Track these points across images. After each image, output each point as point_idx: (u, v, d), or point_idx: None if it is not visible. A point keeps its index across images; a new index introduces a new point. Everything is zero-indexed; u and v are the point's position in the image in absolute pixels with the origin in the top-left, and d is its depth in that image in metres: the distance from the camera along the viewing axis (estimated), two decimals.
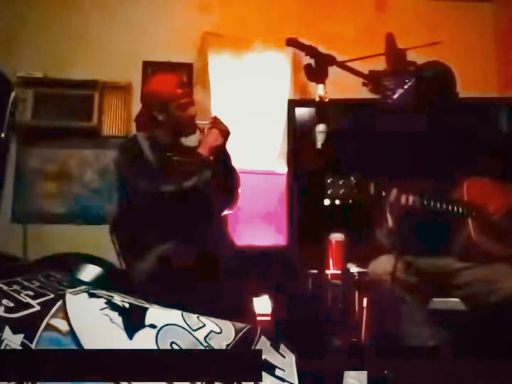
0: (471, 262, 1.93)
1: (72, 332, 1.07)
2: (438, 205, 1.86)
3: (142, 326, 1.13)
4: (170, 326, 1.15)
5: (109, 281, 2.66)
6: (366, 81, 1.90)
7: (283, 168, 3.37)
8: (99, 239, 2.53)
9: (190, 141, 2.30)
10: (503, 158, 2.02)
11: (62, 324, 1.08)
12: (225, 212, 2.29)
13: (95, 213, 3.37)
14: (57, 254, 2.83)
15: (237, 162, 2.52)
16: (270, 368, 1.17)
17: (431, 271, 1.96)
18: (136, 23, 3.58)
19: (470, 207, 1.90)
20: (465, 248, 1.93)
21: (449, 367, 1.54)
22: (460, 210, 1.89)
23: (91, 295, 1.18)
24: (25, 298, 1.12)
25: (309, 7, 3.73)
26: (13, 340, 1.04)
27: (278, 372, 1.18)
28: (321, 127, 1.59)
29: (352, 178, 1.78)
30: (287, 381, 1.18)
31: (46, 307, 1.10)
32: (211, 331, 1.18)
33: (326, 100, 1.61)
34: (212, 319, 1.21)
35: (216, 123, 2.19)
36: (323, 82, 1.62)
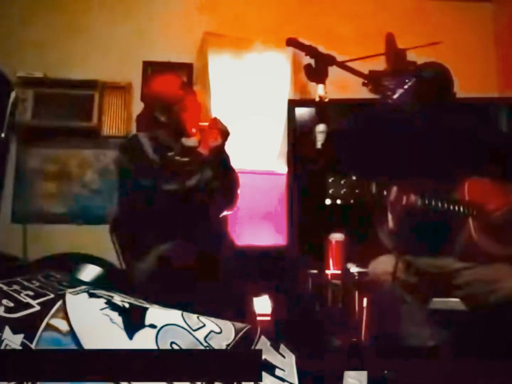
0: (471, 262, 1.93)
1: (72, 332, 1.07)
2: (439, 205, 1.86)
3: (142, 326, 1.13)
4: (170, 326, 1.15)
5: (109, 281, 2.66)
6: (366, 81, 1.90)
7: (283, 168, 3.37)
8: (99, 239, 2.53)
9: (190, 141, 2.30)
10: (504, 158, 2.02)
11: (62, 324, 1.08)
12: (224, 213, 2.30)
13: (95, 213, 3.37)
14: (57, 254, 2.83)
15: (237, 162, 2.52)
16: (270, 368, 1.17)
17: (431, 271, 1.96)
18: (136, 23, 3.58)
19: (470, 207, 1.90)
20: (465, 248, 1.93)
21: (449, 367, 1.54)
22: (461, 210, 1.89)
23: (91, 295, 1.18)
24: (25, 298, 1.12)
25: (309, 7, 3.73)
26: (13, 340, 1.03)
27: (278, 372, 1.18)
28: (321, 127, 1.59)
29: (354, 178, 1.77)
30: (287, 381, 1.17)
31: (46, 307, 1.10)
32: (211, 331, 1.18)
33: (326, 100, 1.61)
34: (212, 319, 1.21)
35: (215, 123, 2.19)
36: (323, 82, 1.62)
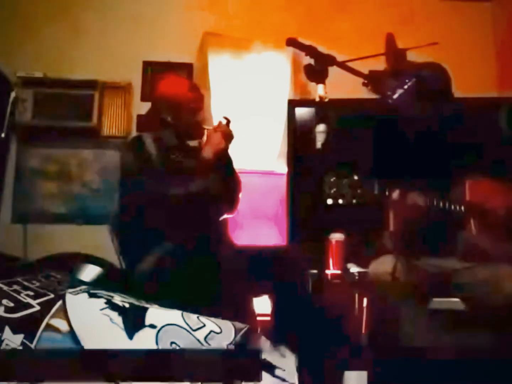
0: (471, 262, 1.93)
1: (72, 332, 1.07)
2: (440, 205, 1.86)
3: (142, 326, 1.13)
4: (170, 326, 1.15)
5: (109, 281, 2.66)
6: (366, 81, 1.90)
7: (283, 168, 3.37)
8: (99, 239, 2.53)
9: (195, 143, 2.31)
10: (504, 158, 2.02)
11: (62, 324, 1.08)
12: (224, 216, 2.29)
13: (95, 213, 3.37)
14: (57, 254, 2.83)
15: (237, 162, 2.52)
16: (270, 368, 1.17)
17: (431, 271, 1.96)
18: (136, 23, 3.58)
19: (471, 207, 1.90)
20: (465, 248, 1.93)
21: (449, 367, 1.55)
22: (462, 209, 1.89)
23: (91, 295, 1.18)
24: (25, 298, 1.12)
25: (309, 7, 3.73)
26: (13, 340, 1.04)
27: (278, 372, 1.18)
28: (321, 127, 1.59)
29: (356, 178, 1.77)
30: (287, 381, 1.18)
31: (46, 307, 1.10)
32: (211, 331, 1.18)
33: (326, 100, 1.61)
34: (212, 319, 1.21)
35: (220, 126, 2.19)
36: (323, 82, 1.62)
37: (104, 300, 1.17)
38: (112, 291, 1.23)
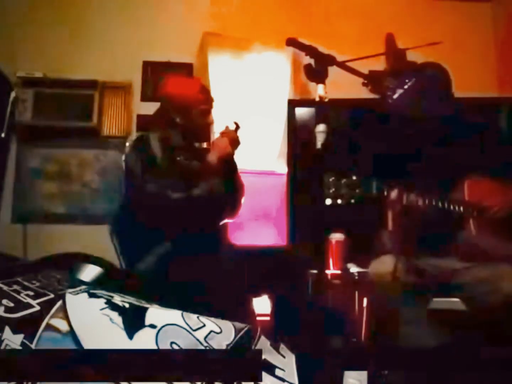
0: (471, 262, 1.93)
1: (72, 332, 1.07)
2: (439, 205, 1.86)
3: (142, 326, 1.13)
4: (170, 326, 1.15)
5: (109, 281, 2.66)
6: (366, 81, 1.90)
7: (283, 168, 3.37)
8: (99, 239, 2.53)
9: (202, 145, 2.33)
10: (503, 158, 2.02)
11: (62, 324, 1.08)
12: (226, 221, 2.28)
13: (95, 213, 3.37)
14: (57, 254, 2.82)
15: (237, 162, 2.52)
16: (270, 368, 1.17)
17: (431, 271, 1.96)
18: (136, 23, 3.58)
19: (470, 207, 1.90)
20: (465, 248, 1.93)
21: (449, 367, 1.54)
22: (461, 209, 1.89)
23: (91, 295, 1.18)
24: (25, 298, 1.12)
25: (309, 7, 3.74)
26: (13, 340, 1.03)
27: (278, 372, 1.18)
28: (321, 127, 1.59)
29: (354, 177, 1.77)
30: (287, 381, 1.18)
31: (46, 307, 1.10)
32: (211, 331, 1.18)
33: (326, 100, 1.61)
34: (212, 319, 1.21)
35: (227, 131, 2.19)
36: (323, 82, 1.62)
37: (104, 300, 1.16)
38: (112, 291, 1.23)
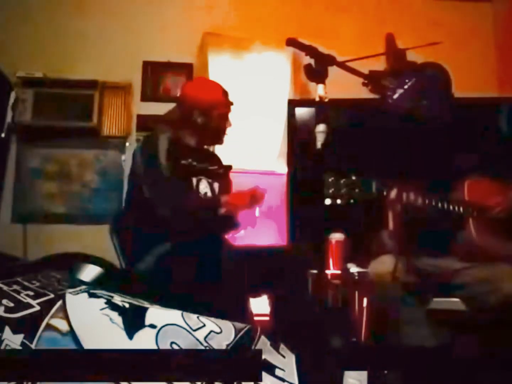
0: (471, 262, 1.93)
1: (72, 332, 1.07)
2: (439, 205, 1.86)
3: (142, 326, 1.13)
4: (170, 326, 1.15)
5: (109, 281, 2.66)
6: (366, 81, 1.90)
7: (283, 168, 3.37)
8: (99, 239, 2.53)
9: (213, 148, 2.40)
10: (503, 158, 2.02)
11: (62, 324, 1.08)
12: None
13: (95, 213, 3.37)
14: (57, 254, 2.83)
15: (237, 162, 2.52)
16: (270, 368, 1.17)
17: (431, 271, 1.96)
18: (136, 23, 3.58)
19: (470, 207, 1.90)
20: (465, 248, 1.93)
21: (449, 367, 1.55)
22: (461, 210, 1.89)
23: (91, 295, 1.18)
24: (25, 298, 1.12)
25: (309, 7, 3.73)
26: (13, 340, 1.04)
27: (278, 372, 1.18)
28: (321, 127, 1.59)
29: (354, 177, 1.77)
30: (287, 381, 1.18)
31: (46, 307, 1.10)
32: (211, 331, 1.18)
33: (326, 100, 1.61)
34: (212, 319, 1.21)
35: (257, 192, 2.20)
36: (323, 82, 1.62)
37: (104, 300, 1.16)
38: (112, 291, 1.23)
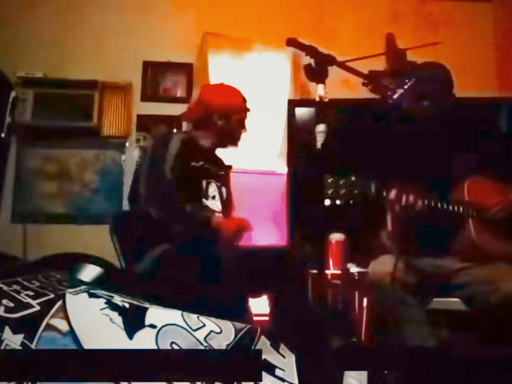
0: (471, 262, 1.93)
1: (72, 332, 1.07)
2: (439, 205, 1.86)
3: (142, 326, 1.13)
4: (170, 326, 1.15)
5: (109, 281, 2.66)
6: (366, 81, 1.90)
7: (283, 168, 3.37)
8: (99, 239, 2.53)
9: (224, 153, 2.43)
10: (504, 158, 2.02)
11: (62, 324, 1.08)
12: None
13: (95, 213, 3.38)
14: (57, 254, 2.83)
15: (237, 162, 2.53)
16: (270, 368, 1.17)
17: (431, 271, 1.96)
18: (136, 23, 3.58)
19: (470, 207, 1.90)
20: (465, 248, 1.93)
21: (449, 367, 1.54)
22: (461, 210, 1.89)
23: (91, 295, 1.18)
24: (25, 298, 1.12)
25: (309, 7, 3.74)
26: (13, 340, 1.03)
27: (278, 372, 1.18)
28: (321, 127, 1.59)
29: (353, 178, 1.77)
30: (287, 381, 1.17)
31: (46, 307, 1.10)
32: (211, 331, 1.18)
33: (326, 100, 1.61)
34: (212, 319, 1.21)
35: (246, 227, 2.19)
36: (323, 82, 1.62)
37: (104, 300, 1.16)
38: (112, 291, 1.23)
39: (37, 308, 1.09)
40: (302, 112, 3.32)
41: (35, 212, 3.36)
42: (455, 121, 2.07)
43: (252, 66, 3.53)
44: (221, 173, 2.36)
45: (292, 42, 1.69)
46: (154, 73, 3.58)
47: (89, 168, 3.47)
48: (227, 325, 1.21)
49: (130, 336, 1.10)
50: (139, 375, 1.04)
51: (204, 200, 2.20)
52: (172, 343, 1.12)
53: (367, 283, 2.11)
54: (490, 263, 1.89)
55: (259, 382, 1.12)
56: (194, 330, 1.16)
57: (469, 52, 3.65)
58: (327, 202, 1.75)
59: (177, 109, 3.52)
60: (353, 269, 2.55)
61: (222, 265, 1.91)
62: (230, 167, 2.46)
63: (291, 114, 3.35)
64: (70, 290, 1.18)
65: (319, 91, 1.62)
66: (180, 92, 3.61)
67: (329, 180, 1.75)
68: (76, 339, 1.06)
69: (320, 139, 1.58)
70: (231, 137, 2.34)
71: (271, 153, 3.46)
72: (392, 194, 1.83)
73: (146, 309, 1.17)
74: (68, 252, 2.89)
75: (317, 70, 1.62)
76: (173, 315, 1.18)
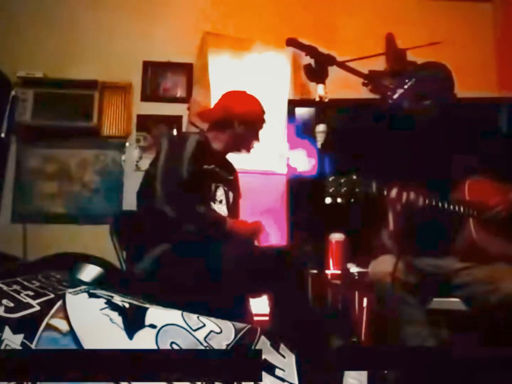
0: (471, 262, 1.93)
1: (72, 332, 1.07)
2: (440, 205, 1.86)
3: (142, 326, 1.13)
4: (170, 326, 1.15)
5: (109, 281, 2.66)
6: (366, 81, 1.90)
7: (283, 168, 3.37)
8: (99, 239, 2.53)
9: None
10: (504, 158, 2.02)
11: (62, 324, 1.08)
12: None
13: (95, 213, 3.37)
14: (57, 254, 2.83)
15: (237, 162, 2.53)
16: (270, 368, 1.17)
17: (431, 271, 1.96)
18: (136, 23, 3.58)
19: (470, 207, 1.90)
20: (465, 248, 1.93)
21: (449, 367, 1.54)
22: (461, 209, 1.89)
23: (91, 295, 1.18)
24: (25, 298, 1.12)
25: (309, 7, 3.73)
26: (13, 340, 1.04)
27: (278, 372, 1.18)
28: (321, 127, 1.59)
29: (354, 177, 1.77)
30: (287, 381, 1.18)
31: (46, 307, 1.10)
32: (211, 331, 1.18)
33: (326, 100, 1.61)
34: (212, 319, 1.21)
35: (261, 229, 2.31)
36: (323, 82, 1.62)
37: (104, 300, 1.16)
38: (112, 291, 1.23)
39: (37, 308, 1.09)
40: (302, 112, 3.32)
41: (35, 212, 3.36)
42: (455, 121, 2.07)
43: (252, 66, 3.53)
44: (230, 178, 2.38)
45: (292, 42, 1.69)
46: (154, 73, 3.58)
47: (89, 168, 3.47)
48: (227, 325, 1.21)
49: (130, 336, 1.10)
50: (139, 375, 1.04)
51: (211, 203, 2.21)
52: (172, 343, 1.12)
53: (367, 283, 2.11)
54: (490, 263, 1.89)
55: (259, 382, 1.12)
56: (194, 330, 1.16)
57: (469, 52, 3.64)
58: (328, 200, 1.75)
59: (177, 109, 3.54)
60: (353, 269, 2.55)
61: (222, 265, 1.91)
62: (235, 171, 2.47)
63: (291, 114, 3.35)
64: (70, 290, 1.18)
65: (319, 91, 1.62)
66: (180, 92, 3.61)
67: (330, 179, 1.76)
68: (76, 339, 1.06)
69: (320, 139, 1.57)
70: (246, 144, 2.39)
71: (271, 153, 3.46)
72: (394, 192, 1.83)
73: (146, 309, 1.17)
74: (68, 252, 2.88)
75: (317, 70, 1.62)
76: (173, 315, 1.18)
